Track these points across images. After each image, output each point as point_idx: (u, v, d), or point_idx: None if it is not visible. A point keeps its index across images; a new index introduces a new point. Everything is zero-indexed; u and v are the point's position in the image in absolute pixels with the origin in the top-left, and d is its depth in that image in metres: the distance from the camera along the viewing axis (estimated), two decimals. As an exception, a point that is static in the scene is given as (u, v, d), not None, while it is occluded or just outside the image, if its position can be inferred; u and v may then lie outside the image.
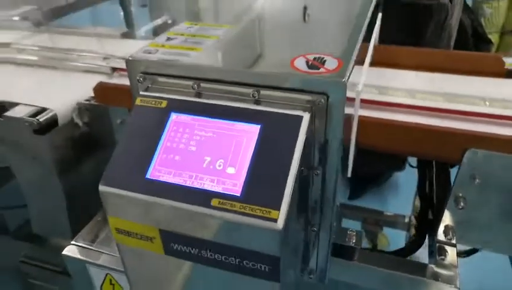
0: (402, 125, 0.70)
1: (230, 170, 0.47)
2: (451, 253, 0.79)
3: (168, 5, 1.79)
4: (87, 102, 0.93)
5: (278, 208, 0.44)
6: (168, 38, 0.61)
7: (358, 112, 0.71)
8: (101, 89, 0.88)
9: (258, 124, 0.49)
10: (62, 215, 1.00)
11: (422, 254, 0.87)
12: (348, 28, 0.65)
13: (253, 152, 0.47)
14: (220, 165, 0.47)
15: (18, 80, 1.06)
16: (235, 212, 0.45)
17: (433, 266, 0.78)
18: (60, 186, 0.96)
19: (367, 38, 0.86)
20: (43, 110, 0.90)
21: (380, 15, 1.04)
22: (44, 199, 1.01)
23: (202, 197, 0.46)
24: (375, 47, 0.98)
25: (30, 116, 0.87)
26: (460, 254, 1.10)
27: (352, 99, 0.67)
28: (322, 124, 0.51)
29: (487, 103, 0.78)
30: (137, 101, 0.54)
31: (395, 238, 1.45)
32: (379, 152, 0.78)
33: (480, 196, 0.71)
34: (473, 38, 2.38)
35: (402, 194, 1.29)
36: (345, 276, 0.76)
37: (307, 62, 0.52)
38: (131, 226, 0.51)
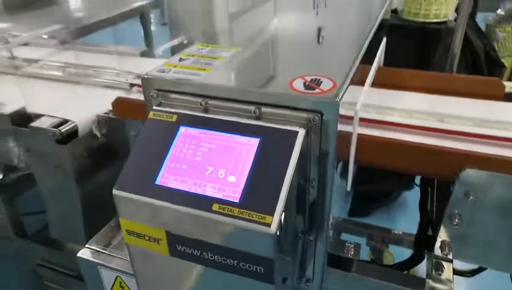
0: (398, 144, 0.74)
1: (231, 179, 0.52)
2: (447, 268, 0.81)
3: (186, 25, 1.88)
4: (106, 115, 1.00)
5: (272, 214, 0.48)
6: (181, 59, 0.67)
7: (357, 129, 0.75)
8: (118, 103, 0.94)
9: (257, 137, 0.54)
10: (78, 221, 1.06)
11: (423, 269, 0.90)
12: (347, 51, 0.70)
13: (252, 163, 0.52)
14: (221, 174, 0.52)
15: (44, 93, 1.14)
16: (234, 216, 0.49)
17: (429, 280, 0.80)
18: (77, 193, 1.02)
19: (369, 60, 0.92)
20: (65, 121, 0.97)
21: (384, 39, 1.09)
22: (62, 205, 1.07)
23: (204, 202, 0.51)
24: (379, 69, 1.03)
25: (53, 127, 0.94)
26: (464, 273, 1.12)
27: (351, 118, 0.71)
28: (317, 140, 0.56)
29: (483, 124, 0.81)
30: (150, 115, 0.60)
31: (400, 256, 1.46)
32: (379, 170, 0.82)
33: (475, 213, 0.74)
34: (486, 62, 2.40)
35: (410, 213, 1.31)
36: (342, 287, 0.79)
37: (305, 83, 0.57)
38: (140, 228, 0.57)
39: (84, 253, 0.88)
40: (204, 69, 0.63)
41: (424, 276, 0.84)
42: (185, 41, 1.41)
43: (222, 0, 1.79)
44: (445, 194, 0.91)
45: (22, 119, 0.98)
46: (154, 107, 0.61)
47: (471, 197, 0.73)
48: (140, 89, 1.06)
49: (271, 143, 0.53)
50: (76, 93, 1.13)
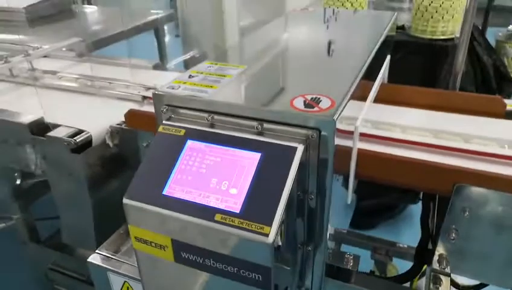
0: (396, 159, 0.77)
1: (233, 191, 0.55)
2: (445, 282, 0.83)
3: (198, 38, 1.94)
4: (118, 126, 1.05)
5: (270, 225, 0.52)
6: (190, 76, 0.71)
7: (357, 144, 0.79)
8: (130, 115, 0.98)
9: (259, 152, 0.57)
10: (89, 227, 1.10)
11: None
12: (349, 69, 0.74)
13: (253, 176, 0.56)
14: (224, 186, 0.56)
15: (61, 103, 1.19)
16: (234, 226, 0.53)
17: (427, 293, 0.82)
18: (89, 200, 1.06)
19: (372, 77, 0.95)
20: (80, 131, 1.01)
21: (388, 57, 1.13)
22: (74, 211, 1.12)
23: (208, 212, 0.55)
24: (382, 85, 1.06)
25: (69, 137, 0.99)
26: (468, 289, 1.13)
27: (351, 132, 0.74)
28: (315, 155, 0.59)
29: (480, 141, 0.84)
30: (160, 129, 0.64)
31: (404, 269, 1.47)
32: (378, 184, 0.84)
33: (471, 228, 0.76)
34: (495, 78, 2.41)
35: (416, 227, 1.32)
36: (341, 297, 0.81)
37: (305, 101, 0.60)
38: (148, 235, 0.60)
39: (94, 258, 0.92)
40: (211, 86, 0.67)
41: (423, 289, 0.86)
42: (197, 55, 1.46)
43: (232, 15, 1.85)
44: (445, 209, 0.93)
45: (40, 128, 1.03)
46: (164, 122, 0.65)
47: (467, 213, 0.75)
48: (152, 101, 1.11)
49: (271, 158, 0.57)
50: (91, 104, 1.18)
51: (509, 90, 2.45)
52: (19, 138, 1.05)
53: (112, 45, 1.86)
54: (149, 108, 1.06)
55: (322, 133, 0.57)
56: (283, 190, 0.54)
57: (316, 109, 0.58)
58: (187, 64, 1.67)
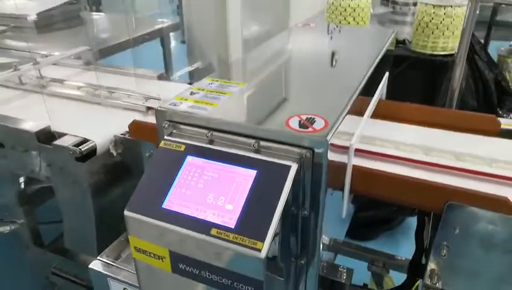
0: (388, 176, 0.79)
1: (229, 206, 0.58)
2: (436, 297, 0.85)
3: (203, 48, 1.98)
4: (122, 136, 1.08)
5: (263, 241, 0.54)
6: (192, 93, 0.74)
7: (352, 161, 0.81)
8: (134, 126, 1.01)
9: (254, 169, 0.60)
10: (91, 233, 1.13)
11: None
12: (344, 89, 0.77)
13: (249, 193, 0.58)
14: (221, 202, 0.59)
15: (68, 112, 1.23)
16: (229, 241, 0.55)
17: (418, 308, 0.85)
18: (92, 207, 1.09)
19: (370, 93, 0.98)
20: (85, 140, 1.05)
21: (387, 74, 1.15)
22: (77, 218, 1.15)
23: (204, 226, 0.57)
24: (380, 101, 1.09)
25: (74, 146, 1.02)
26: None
27: (347, 148, 0.77)
28: (309, 172, 0.62)
29: (473, 160, 0.86)
30: (162, 144, 0.67)
31: (401, 281, 1.49)
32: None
33: (461, 245, 0.78)
34: (496, 92, 2.43)
35: (414, 239, 1.35)
36: (334, 309, 0.83)
37: (300, 121, 0.63)
38: (147, 246, 0.63)
39: (95, 265, 0.95)
40: (211, 104, 0.70)
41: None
42: (200, 67, 1.50)
43: (236, 26, 1.89)
44: (438, 225, 0.96)
45: (47, 137, 1.06)
46: (165, 137, 0.68)
47: (458, 231, 0.77)
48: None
49: (266, 175, 0.59)
50: (96, 113, 1.21)
51: (510, 104, 2.46)
52: (26, 146, 1.09)
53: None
54: (152, 119, 1.09)
55: (316, 152, 0.60)
56: (276, 207, 0.56)
57: (310, 129, 0.61)
58: (192, 75, 1.71)
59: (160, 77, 1.46)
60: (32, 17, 2.12)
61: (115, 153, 1.09)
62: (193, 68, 1.49)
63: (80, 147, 1.02)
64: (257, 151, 0.63)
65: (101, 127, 1.10)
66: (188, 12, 2.00)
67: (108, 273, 0.92)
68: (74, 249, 1.24)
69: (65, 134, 1.07)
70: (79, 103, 1.28)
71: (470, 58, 2.35)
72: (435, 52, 1.67)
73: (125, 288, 0.90)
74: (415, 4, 1.84)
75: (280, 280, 0.71)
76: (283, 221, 0.64)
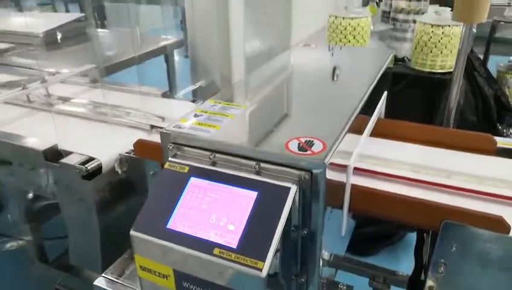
0: (385, 195, 0.81)
1: (231, 227, 0.60)
2: (435, 314, 0.86)
3: (206, 64, 2.02)
4: (127, 154, 1.10)
5: (264, 260, 0.56)
6: (196, 115, 0.77)
7: (350, 181, 0.84)
8: (139, 145, 1.04)
9: (255, 190, 0.62)
10: (96, 250, 1.15)
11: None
12: (342, 110, 0.80)
13: (250, 213, 0.61)
14: (223, 222, 0.61)
15: (74, 130, 1.26)
16: (231, 261, 0.58)
17: (417, 324, 0.86)
18: (97, 224, 1.11)
19: (369, 112, 1.00)
20: (91, 159, 1.07)
21: (385, 93, 1.18)
22: (83, 234, 1.17)
23: (207, 246, 0.60)
24: (379, 120, 1.12)
25: (80, 164, 1.04)
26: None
27: (345, 166, 0.80)
28: (307, 193, 0.64)
29: (469, 179, 0.88)
30: (166, 165, 0.69)
31: (402, 297, 1.50)
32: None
33: (458, 262, 0.80)
34: (496, 107, 2.46)
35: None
36: (334, 326, 0.85)
37: (299, 144, 0.66)
38: (152, 265, 0.65)
39: (100, 281, 0.96)
40: (214, 126, 0.73)
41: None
42: (203, 85, 1.53)
43: (239, 42, 1.93)
44: (435, 242, 0.97)
45: (54, 155, 1.09)
46: (169, 159, 0.70)
47: (454, 248, 0.79)
48: (160, 130, 1.17)
49: (267, 196, 0.62)
50: (102, 132, 1.24)
51: (510, 120, 2.49)
52: (33, 163, 1.11)
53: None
54: (156, 137, 1.12)
55: (314, 174, 0.62)
56: (276, 227, 0.59)
57: (308, 152, 0.64)
58: (195, 93, 1.75)
59: (164, 95, 1.49)
60: (41, 34, 2.17)
61: (120, 171, 1.11)
62: (196, 87, 1.53)
63: (86, 166, 1.04)
64: (258, 173, 0.65)
65: (106, 146, 1.13)
66: (192, 30, 2.05)
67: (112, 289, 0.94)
68: (79, 265, 1.26)
69: (71, 152, 1.10)
70: (85, 120, 1.31)
71: (469, 74, 2.39)
72: (434, 70, 1.70)
73: (129, 305, 0.92)
74: (415, 21, 1.88)
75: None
76: (283, 240, 0.66)
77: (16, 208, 1.26)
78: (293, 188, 0.62)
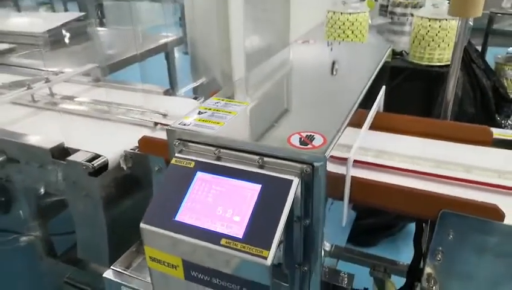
0: (384, 186, 0.84)
1: (236, 218, 0.63)
2: (433, 300, 0.89)
3: (206, 62, 2.04)
4: (132, 151, 1.13)
5: (269, 249, 0.59)
6: (200, 112, 0.80)
7: (350, 172, 0.86)
8: (144, 141, 1.06)
9: (259, 183, 0.65)
10: (103, 244, 1.18)
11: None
12: (341, 105, 0.82)
13: (254, 205, 0.63)
14: (229, 214, 0.64)
15: (79, 128, 1.28)
16: (238, 250, 0.61)
17: (417, 310, 0.89)
18: (104, 219, 1.14)
19: (368, 106, 1.03)
20: (97, 156, 1.10)
21: (384, 87, 1.21)
22: (90, 229, 1.20)
23: (214, 237, 0.62)
24: (378, 113, 1.15)
25: (87, 161, 1.07)
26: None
27: (345, 159, 0.82)
28: (309, 185, 0.67)
29: (465, 169, 0.91)
30: (173, 161, 0.72)
31: (402, 286, 1.53)
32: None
33: (455, 250, 0.83)
34: (494, 99, 2.48)
35: (414, 245, 1.40)
36: (336, 313, 0.88)
37: (300, 139, 0.69)
38: (161, 256, 0.68)
39: (108, 273, 1.00)
40: (218, 123, 0.75)
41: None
42: (205, 82, 1.56)
43: (238, 38, 1.95)
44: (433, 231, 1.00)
45: (61, 153, 1.12)
46: (176, 154, 0.73)
47: (451, 236, 0.82)
48: (163, 127, 1.20)
49: (270, 189, 0.65)
50: (106, 129, 1.27)
51: (508, 111, 2.51)
52: (41, 161, 1.14)
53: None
54: (160, 134, 1.15)
55: (315, 167, 0.65)
56: (280, 218, 0.62)
57: (309, 146, 0.66)
58: (196, 89, 1.77)
59: (166, 93, 1.52)
60: (42, 34, 2.19)
61: (125, 167, 1.14)
62: (197, 84, 1.55)
63: (92, 163, 1.07)
64: (261, 167, 0.68)
65: (111, 143, 1.15)
66: (192, 27, 2.07)
67: (121, 281, 0.97)
68: (86, 259, 1.29)
69: (78, 150, 1.12)
70: (89, 119, 1.34)
71: (467, 66, 2.41)
72: (432, 64, 1.73)
73: (137, 296, 0.95)
74: (412, 15, 1.90)
75: (285, 286, 0.76)
76: (287, 230, 0.69)
77: (24, 205, 1.29)
78: (296, 181, 0.64)
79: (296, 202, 0.67)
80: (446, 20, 1.62)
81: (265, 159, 0.68)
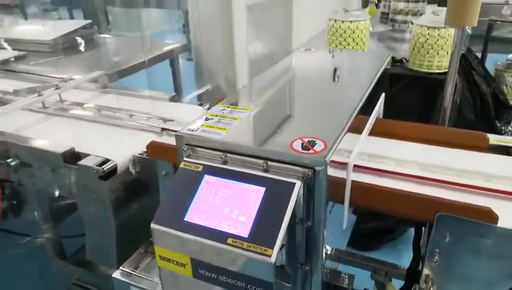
0: (384, 190, 0.88)
1: (242, 218, 0.67)
2: (431, 301, 0.93)
3: (211, 68, 2.09)
4: (140, 155, 1.17)
5: (272, 248, 0.63)
6: (207, 118, 0.84)
7: (351, 177, 0.90)
8: (151, 147, 1.10)
9: (263, 186, 0.69)
10: (112, 246, 1.22)
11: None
12: (341, 112, 0.86)
13: (259, 207, 0.67)
14: (235, 215, 0.68)
15: (88, 133, 1.32)
16: (243, 249, 0.65)
17: (415, 310, 0.92)
18: (113, 222, 1.18)
19: (368, 112, 1.07)
20: (107, 160, 1.14)
21: (383, 95, 1.25)
22: (99, 231, 1.24)
23: (221, 236, 0.66)
24: (377, 120, 1.18)
25: (97, 166, 1.11)
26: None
27: (345, 164, 0.86)
28: (311, 188, 0.71)
29: (461, 174, 0.94)
30: (182, 165, 0.76)
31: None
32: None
33: (452, 252, 0.86)
34: (494, 105, 2.52)
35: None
36: (337, 312, 0.91)
37: (302, 144, 0.73)
38: (170, 255, 0.72)
39: (117, 274, 1.04)
40: (224, 129, 0.79)
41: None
42: (210, 89, 1.60)
43: (242, 45, 2.00)
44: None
45: (72, 157, 1.16)
46: (184, 159, 0.77)
47: (448, 238, 0.85)
48: (170, 132, 1.25)
49: (274, 191, 0.69)
50: (115, 135, 1.31)
51: (508, 117, 2.55)
52: (53, 165, 1.18)
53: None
54: (167, 139, 1.19)
55: (317, 171, 0.69)
56: (283, 218, 0.65)
57: (311, 151, 0.70)
58: (200, 96, 1.82)
59: (172, 99, 1.56)
60: (50, 42, 2.25)
61: (133, 172, 1.18)
62: (202, 91, 1.60)
63: (102, 167, 1.10)
64: (265, 171, 0.72)
65: (120, 148, 1.19)
66: (196, 34, 2.12)
67: (130, 281, 1.01)
68: (95, 261, 1.33)
69: (88, 154, 1.16)
70: (98, 124, 1.38)
71: (467, 73, 2.45)
72: (431, 71, 1.77)
73: (145, 295, 0.99)
74: (413, 22, 1.95)
75: (288, 286, 0.80)
76: (289, 231, 0.73)
77: (35, 209, 1.33)
78: (298, 184, 0.68)
79: (298, 204, 0.71)
80: (445, 28, 1.66)
81: (269, 163, 0.72)
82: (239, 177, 0.72)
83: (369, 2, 2.78)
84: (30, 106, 1.47)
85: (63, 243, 1.42)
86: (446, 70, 1.75)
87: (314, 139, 0.74)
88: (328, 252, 0.86)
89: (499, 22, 2.92)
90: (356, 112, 0.88)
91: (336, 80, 1.13)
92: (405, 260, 1.80)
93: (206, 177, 0.73)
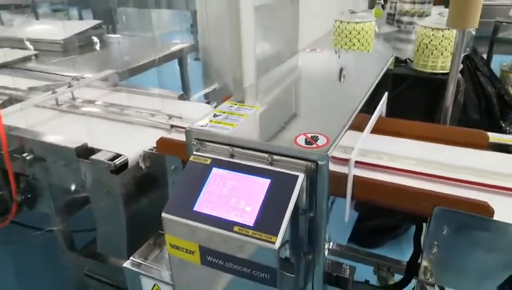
0: (385, 185, 0.91)
1: (248, 208, 0.71)
2: (430, 291, 0.96)
3: (218, 68, 2.13)
4: (150, 151, 1.22)
5: (276, 235, 0.67)
6: (215, 115, 0.88)
7: (352, 172, 0.94)
8: (161, 142, 1.15)
9: (268, 178, 0.73)
10: (122, 239, 1.26)
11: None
12: (344, 109, 0.90)
13: (264, 197, 0.71)
14: (241, 205, 0.72)
15: (100, 130, 1.37)
16: (249, 236, 0.69)
17: (414, 301, 0.96)
18: (123, 215, 1.23)
19: (371, 111, 1.11)
20: (118, 155, 1.18)
21: (386, 93, 1.28)
22: (110, 224, 1.28)
23: (228, 225, 0.70)
24: (380, 118, 1.22)
25: (109, 160, 1.16)
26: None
27: (347, 160, 0.90)
28: (313, 181, 0.75)
29: (459, 170, 0.98)
30: (191, 158, 0.80)
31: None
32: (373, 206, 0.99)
33: (449, 244, 0.89)
34: (499, 106, 2.54)
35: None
36: (338, 301, 0.95)
37: (306, 139, 0.76)
38: (180, 243, 0.76)
39: (128, 264, 1.08)
40: (232, 125, 0.83)
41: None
42: (217, 88, 1.65)
43: (249, 45, 2.04)
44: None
45: (85, 152, 1.21)
46: (194, 152, 0.81)
47: (446, 231, 0.88)
48: (179, 129, 1.29)
49: (278, 183, 0.73)
50: (126, 131, 1.35)
51: (513, 116, 2.56)
52: (66, 160, 1.23)
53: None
54: (176, 136, 1.24)
55: (319, 164, 0.73)
56: (287, 208, 0.69)
57: (314, 145, 0.74)
58: (207, 95, 1.86)
59: (180, 97, 1.60)
60: (61, 41, 2.31)
61: (143, 167, 1.22)
62: (210, 90, 1.64)
63: (114, 161, 1.15)
64: (270, 164, 0.76)
65: (130, 144, 1.23)
66: (204, 34, 2.16)
67: (140, 271, 1.05)
68: (106, 253, 1.37)
69: (100, 150, 1.21)
70: (109, 121, 1.42)
71: (472, 74, 2.47)
72: (435, 71, 1.79)
73: (155, 284, 1.03)
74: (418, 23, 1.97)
75: (291, 277, 0.84)
76: (292, 221, 0.77)
77: (48, 202, 1.38)
78: (301, 176, 0.72)
79: (302, 196, 0.75)
80: (448, 29, 1.68)
81: (274, 157, 0.76)
82: (245, 170, 0.76)
83: (375, 3, 2.80)
84: (44, 103, 1.52)
85: (73, 236, 1.47)
86: (450, 70, 1.78)
87: (317, 135, 0.77)
88: (330, 247, 0.90)
89: (504, 24, 2.93)
90: (358, 110, 0.91)
91: (340, 79, 1.17)
92: (408, 256, 1.83)
93: (214, 169, 0.77)
